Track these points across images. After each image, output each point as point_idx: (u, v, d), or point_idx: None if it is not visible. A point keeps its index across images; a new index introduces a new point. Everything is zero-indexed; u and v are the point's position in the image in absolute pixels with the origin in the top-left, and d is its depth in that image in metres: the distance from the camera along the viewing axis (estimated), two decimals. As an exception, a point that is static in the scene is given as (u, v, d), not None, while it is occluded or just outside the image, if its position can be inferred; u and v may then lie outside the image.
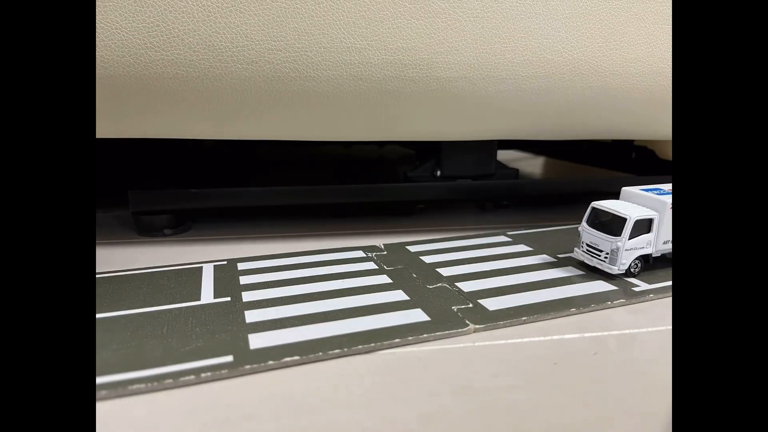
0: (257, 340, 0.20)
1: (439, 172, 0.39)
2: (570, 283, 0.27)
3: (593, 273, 0.28)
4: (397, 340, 0.21)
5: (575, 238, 0.30)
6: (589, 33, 0.30)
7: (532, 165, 0.72)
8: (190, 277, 0.28)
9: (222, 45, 0.26)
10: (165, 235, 0.37)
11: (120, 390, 0.17)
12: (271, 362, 0.19)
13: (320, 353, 0.19)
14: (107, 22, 0.25)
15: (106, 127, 0.31)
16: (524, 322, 0.23)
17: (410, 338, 0.21)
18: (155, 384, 0.17)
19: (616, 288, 0.26)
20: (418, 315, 0.23)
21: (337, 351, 0.20)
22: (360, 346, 0.20)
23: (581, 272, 0.28)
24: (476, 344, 0.21)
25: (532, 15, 0.28)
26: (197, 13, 0.25)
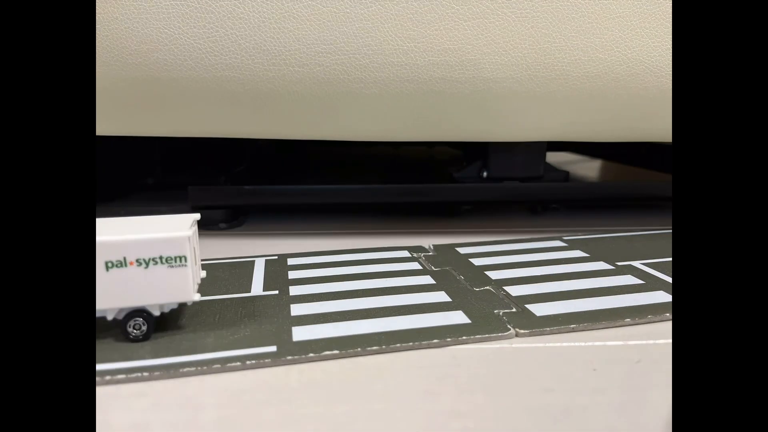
0: (300, 333, 0.21)
1: (485, 173, 0.39)
2: (627, 293, 0.26)
3: (654, 283, 0.27)
4: (435, 340, 0.21)
5: (636, 246, 0.28)
6: (645, 31, 0.29)
7: (586, 168, 0.70)
8: (243, 270, 0.29)
9: (275, 49, 0.28)
10: (220, 229, 0.39)
11: (172, 372, 0.18)
12: (311, 354, 0.20)
13: (359, 349, 0.20)
14: (171, 28, 0.27)
15: (171, 126, 0.33)
16: (572, 330, 0.22)
17: (449, 339, 0.21)
18: (204, 368, 0.19)
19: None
20: (458, 317, 0.23)
21: (375, 348, 0.20)
22: (398, 345, 0.20)
23: (641, 281, 0.27)
24: (513, 346, 0.21)
25: (584, 14, 0.28)
26: (253, 19, 0.27)
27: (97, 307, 0.19)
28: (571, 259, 0.31)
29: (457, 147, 0.56)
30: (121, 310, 0.20)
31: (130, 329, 0.20)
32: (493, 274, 0.28)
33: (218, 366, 0.19)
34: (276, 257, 0.31)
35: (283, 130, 0.34)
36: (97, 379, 0.18)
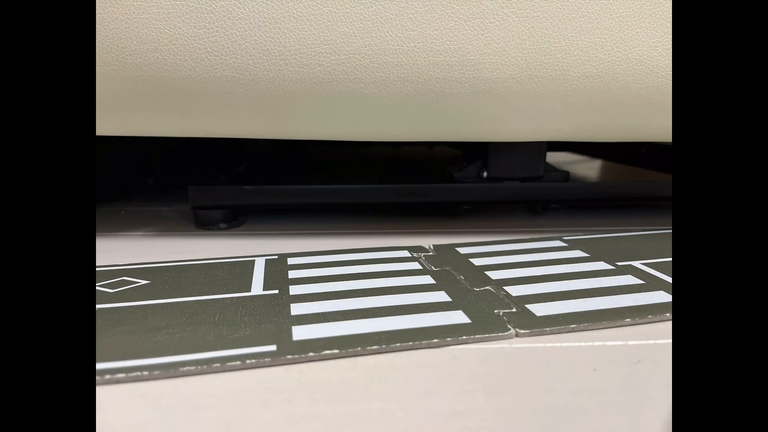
0: (300, 332, 0.21)
1: (485, 173, 0.39)
2: (627, 293, 0.26)
3: (654, 283, 0.27)
4: (435, 340, 0.21)
5: (636, 246, 0.28)
6: (645, 31, 0.29)
7: (586, 168, 0.70)
8: (243, 270, 0.29)
9: (275, 49, 0.28)
10: (220, 229, 0.39)
11: (172, 371, 0.18)
12: (311, 354, 0.20)
13: (359, 348, 0.20)
14: (171, 28, 0.27)
15: (171, 126, 0.33)
16: (573, 330, 0.22)
17: (449, 339, 0.21)
18: (204, 367, 0.19)
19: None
20: (458, 317, 0.23)
21: (375, 347, 0.20)
22: (398, 344, 0.20)
23: (641, 281, 0.27)
24: (513, 346, 0.21)
25: (584, 14, 0.28)
26: (253, 19, 0.27)
27: None
28: (571, 259, 0.31)
29: (457, 147, 0.56)
30: None
31: None
32: (493, 274, 0.28)
33: (218, 365, 0.19)
34: (276, 257, 0.31)
35: (283, 130, 0.34)
36: (97, 378, 0.18)
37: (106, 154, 0.48)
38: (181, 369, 0.18)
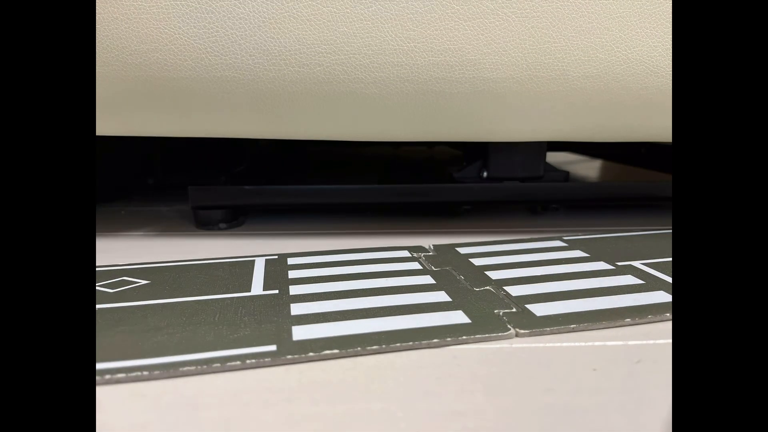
0: (300, 332, 0.21)
1: (485, 173, 0.39)
2: (627, 293, 0.26)
3: (654, 283, 0.27)
4: (435, 340, 0.21)
5: (636, 246, 0.28)
6: (645, 31, 0.29)
7: (586, 168, 0.70)
8: (243, 270, 0.29)
9: (275, 49, 0.28)
10: (220, 229, 0.39)
11: (172, 371, 0.18)
12: (311, 354, 0.20)
13: (359, 348, 0.20)
14: (171, 28, 0.27)
15: (171, 126, 0.33)
16: (573, 330, 0.22)
17: (449, 339, 0.21)
18: (204, 367, 0.19)
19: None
20: (458, 317, 0.23)
21: (375, 347, 0.20)
22: (398, 344, 0.20)
23: (641, 281, 0.27)
24: (513, 346, 0.21)
25: (584, 14, 0.28)
26: (253, 19, 0.27)
27: None
28: (571, 259, 0.31)
29: (457, 147, 0.56)
30: None
31: None
32: (493, 274, 0.28)
33: (218, 365, 0.19)
34: (276, 257, 0.31)
35: (283, 130, 0.34)
36: (97, 378, 0.18)
37: (106, 154, 0.48)
38: (181, 369, 0.18)
